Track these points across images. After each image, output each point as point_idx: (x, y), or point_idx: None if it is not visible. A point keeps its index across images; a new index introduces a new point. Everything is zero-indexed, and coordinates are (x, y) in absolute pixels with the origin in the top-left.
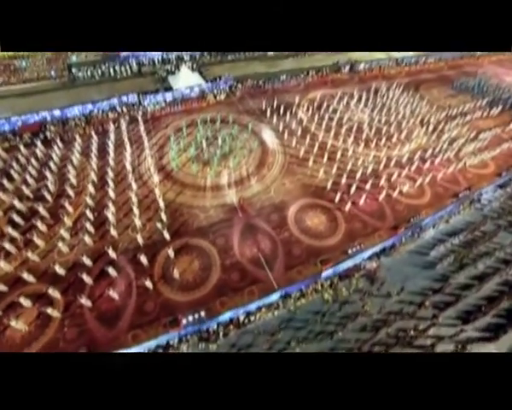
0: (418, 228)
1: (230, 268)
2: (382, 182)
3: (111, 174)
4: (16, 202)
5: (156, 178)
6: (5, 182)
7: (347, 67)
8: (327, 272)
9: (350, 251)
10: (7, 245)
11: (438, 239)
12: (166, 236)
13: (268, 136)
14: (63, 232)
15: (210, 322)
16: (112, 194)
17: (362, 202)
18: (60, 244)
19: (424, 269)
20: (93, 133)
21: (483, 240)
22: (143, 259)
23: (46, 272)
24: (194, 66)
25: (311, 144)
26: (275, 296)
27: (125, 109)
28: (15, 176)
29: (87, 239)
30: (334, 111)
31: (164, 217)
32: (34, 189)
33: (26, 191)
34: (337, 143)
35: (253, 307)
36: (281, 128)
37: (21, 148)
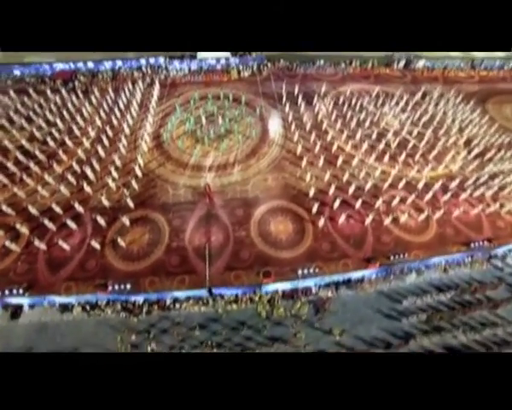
0: (398, 269)
1: (173, 251)
2: (378, 203)
3: (109, 133)
4: (24, 142)
5: (145, 146)
6: (23, 122)
7: (402, 63)
8: (271, 286)
9: (300, 272)
10: (2, 177)
11: (420, 288)
12: (131, 204)
13: (273, 124)
14: (50, 178)
15: (136, 296)
16: (101, 152)
17: (341, 220)
18: (43, 188)
19: (386, 318)
20: (110, 90)
21: (482, 307)
22: (101, 220)
23: (24, 210)
24: None
25: (315, 142)
26: (202, 293)
27: (149, 71)
28: (34, 117)
29: (64, 190)
30: (361, 110)
31: (136, 185)
32: (44, 132)
33: (37, 134)
34: (345, 147)
35: (182, 295)
36: (290, 118)
37: (48, 92)
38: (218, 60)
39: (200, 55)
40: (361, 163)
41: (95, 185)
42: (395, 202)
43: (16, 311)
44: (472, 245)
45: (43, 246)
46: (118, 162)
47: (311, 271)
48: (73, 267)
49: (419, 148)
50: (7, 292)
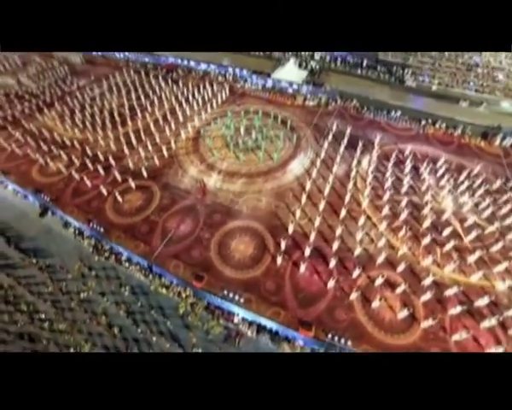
0: (330, 350)
1: (148, 222)
2: (356, 273)
3: (168, 116)
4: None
5: (184, 134)
6: (114, 96)
7: (498, 139)
8: (202, 292)
9: (225, 292)
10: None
11: None
12: (145, 174)
13: (302, 158)
14: (111, 135)
15: (105, 241)
16: (152, 128)
17: (302, 270)
18: (104, 139)
19: None
20: (190, 85)
21: None
22: (118, 175)
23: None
24: (316, 68)
25: (331, 186)
26: (144, 264)
27: (230, 78)
28: (133, 91)
29: (113, 145)
30: (414, 176)
31: (157, 161)
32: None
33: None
34: (363, 203)
35: (129, 256)
36: (322, 156)
37: (142, 75)
38: (290, 83)
39: (277, 75)
40: (369, 226)
41: (133, 151)
42: (379, 282)
43: (44, 212)
44: None
45: (77, 176)
46: (157, 139)
47: (236, 298)
48: (85, 198)
49: (462, 239)
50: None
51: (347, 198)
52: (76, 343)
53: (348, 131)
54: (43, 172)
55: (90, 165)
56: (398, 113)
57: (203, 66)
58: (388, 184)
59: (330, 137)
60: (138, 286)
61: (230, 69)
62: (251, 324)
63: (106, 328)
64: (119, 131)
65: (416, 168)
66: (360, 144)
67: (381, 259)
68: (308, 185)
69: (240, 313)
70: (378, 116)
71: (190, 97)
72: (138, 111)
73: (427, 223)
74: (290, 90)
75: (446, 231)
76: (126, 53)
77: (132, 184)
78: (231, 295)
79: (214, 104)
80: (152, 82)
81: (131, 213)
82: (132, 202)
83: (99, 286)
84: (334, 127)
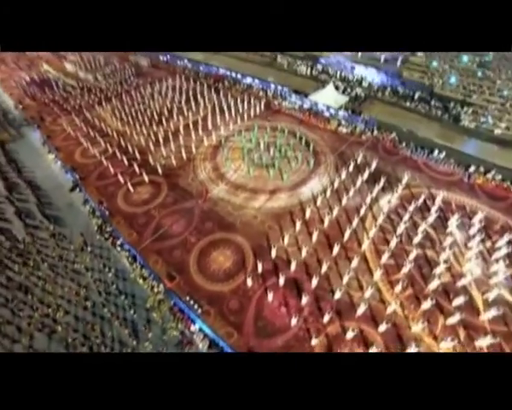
0: None
1: (148, 215)
2: (328, 318)
3: (199, 122)
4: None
5: (206, 141)
6: (160, 98)
7: None
8: (171, 292)
9: (187, 298)
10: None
11: None
12: (160, 171)
13: (314, 183)
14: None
15: (109, 224)
16: (181, 131)
17: (270, 298)
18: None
19: None
20: (229, 96)
21: None
22: (137, 168)
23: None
24: (361, 95)
25: (333, 223)
26: (132, 252)
27: (270, 94)
28: (178, 95)
29: (142, 140)
30: (428, 225)
31: (174, 162)
32: (171, 107)
33: (171, 105)
34: (355, 246)
35: (123, 243)
36: (336, 185)
37: (191, 82)
38: (328, 107)
39: (315, 96)
40: (363, 270)
41: (157, 148)
42: (352, 335)
43: (73, 188)
44: None
45: (105, 162)
46: (181, 141)
47: (196, 307)
48: (105, 183)
49: (478, 315)
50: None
51: (348, 234)
52: (53, 305)
53: (375, 163)
54: (83, 154)
55: (118, 154)
56: (443, 154)
57: (248, 79)
58: (401, 229)
59: (352, 166)
60: (121, 271)
61: (273, 86)
62: (205, 337)
63: (81, 300)
64: (152, 129)
65: (442, 219)
66: (383, 180)
67: (363, 310)
68: (309, 212)
69: (197, 323)
70: (416, 154)
71: (225, 108)
72: (175, 114)
73: (435, 284)
74: (327, 114)
75: (458, 300)
76: (185, 61)
77: (146, 178)
78: (192, 302)
79: (246, 117)
80: (197, 89)
81: (137, 204)
82: (141, 194)
83: (90, 262)
84: (361, 158)
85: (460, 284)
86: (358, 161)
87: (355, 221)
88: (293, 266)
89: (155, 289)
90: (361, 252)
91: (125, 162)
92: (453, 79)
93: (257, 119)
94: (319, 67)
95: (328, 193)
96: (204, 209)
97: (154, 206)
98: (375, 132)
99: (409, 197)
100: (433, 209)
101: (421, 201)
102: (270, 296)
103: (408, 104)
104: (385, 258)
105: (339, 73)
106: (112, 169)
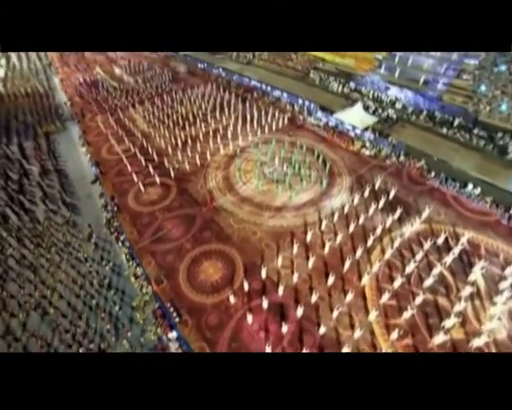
0: None
1: (152, 216)
2: (306, 351)
3: (220, 130)
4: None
5: (222, 150)
6: (189, 104)
7: None
8: (156, 296)
9: (168, 305)
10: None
11: None
12: (172, 173)
13: (323, 205)
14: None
15: (116, 219)
16: (201, 138)
17: (250, 320)
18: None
19: None
20: (255, 108)
21: None
22: (151, 169)
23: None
24: (393, 117)
25: (335, 250)
26: (128, 246)
27: (296, 108)
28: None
29: (162, 143)
30: (445, 268)
31: (187, 167)
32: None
33: (197, 111)
34: (354, 279)
35: (124, 239)
36: (346, 210)
37: (221, 91)
38: (353, 127)
39: (341, 115)
40: (358, 307)
41: (174, 152)
42: None
43: (94, 181)
44: None
45: (125, 161)
46: (198, 148)
47: (173, 315)
48: (121, 180)
49: None
50: None
51: (348, 265)
52: (51, 287)
53: (394, 191)
54: (109, 150)
55: (138, 154)
56: (478, 189)
57: (277, 93)
58: (412, 268)
59: (368, 191)
60: (118, 266)
61: (300, 100)
62: (180, 347)
63: (76, 287)
64: (174, 133)
65: (466, 264)
66: (400, 210)
67: (347, 351)
68: (311, 235)
69: (174, 331)
70: (446, 186)
71: (249, 119)
72: (199, 120)
73: (441, 338)
74: (352, 134)
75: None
76: (220, 70)
77: (158, 179)
78: (172, 309)
79: (267, 129)
80: (225, 98)
81: (144, 204)
82: (151, 194)
83: (92, 252)
84: (381, 183)
85: (475, 344)
86: (377, 186)
87: (359, 251)
88: (280, 290)
89: (144, 290)
90: (360, 286)
91: (143, 163)
92: (504, 107)
93: (278, 132)
94: (352, 84)
95: (336, 217)
96: (206, 218)
97: (160, 208)
98: (402, 158)
99: (427, 233)
100: (456, 250)
101: (441, 239)
102: (250, 318)
103: (445, 131)
104: (386, 297)
105: (372, 92)
106: (129, 168)
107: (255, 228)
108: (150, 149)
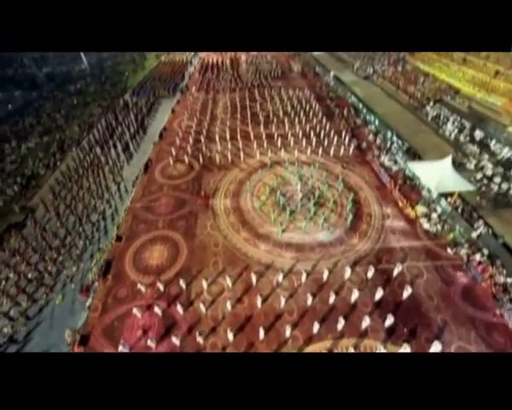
0: None
1: (161, 187)
2: None
3: (274, 138)
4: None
5: (258, 157)
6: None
7: None
8: None
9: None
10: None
11: None
12: (201, 160)
13: (319, 256)
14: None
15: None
16: (251, 138)
17: (139, 315)
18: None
19: None
20: (329, 124)
21: None
22: (189, 149)
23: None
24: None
25: (270, 311)
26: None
27: (378, 141)
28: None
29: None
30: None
31: (217, 159)
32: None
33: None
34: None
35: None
36: (325, 278)
37: (316, 98)
38: (429, 190)
39: (417, 166)
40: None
41: (220, 141)
42: None
43: (155, 144)
44: None
45: (182, 135)
46: (240, 145)
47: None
48: (167, 149)
49: None
50: None
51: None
52: (68, 273)
53: (410, 291)
54: (181, 122)
55: (193, 133)
56: None
57: (370, 116)
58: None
59: (372, 274)
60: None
61: (389, 133)
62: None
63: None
64: (236, 124)
65: None
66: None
67: None
68: (261, 281)
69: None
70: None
71: (314, 134)
72: (270, 121)
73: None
74: (426, 194)
75: None
76: (331, 77)
77: (186, 159)
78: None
79: (321, 151)
80: (312, 106)
81: (164, 176)
82: (174, 170)
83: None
84: (407, 272)
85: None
86: (395, 273)
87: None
88: (181, 310)
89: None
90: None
91: (191, 141)
92: None
93: (333, 159)
94: (477, 133)
95: (306, 280)
96: (193, 210)
97: (170, 184)
98: (482, 258)
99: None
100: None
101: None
102: (139, 313)
103: None
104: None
105: (503, 153)
106: (178, 142)
107: (221, 241)
108: (205, 133)
